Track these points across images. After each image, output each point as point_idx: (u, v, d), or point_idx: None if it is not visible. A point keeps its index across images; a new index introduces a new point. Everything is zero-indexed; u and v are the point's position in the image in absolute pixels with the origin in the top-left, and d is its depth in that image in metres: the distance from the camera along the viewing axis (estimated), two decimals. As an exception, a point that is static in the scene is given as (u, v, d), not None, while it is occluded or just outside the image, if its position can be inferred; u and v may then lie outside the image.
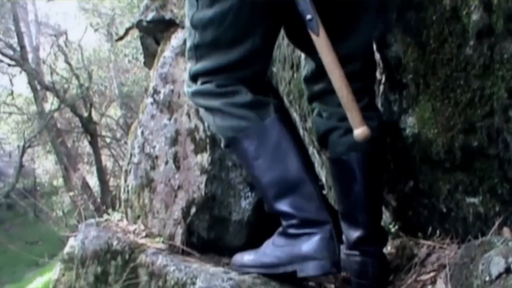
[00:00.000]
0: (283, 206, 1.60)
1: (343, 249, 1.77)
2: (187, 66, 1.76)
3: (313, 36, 1.53)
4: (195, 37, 1.66)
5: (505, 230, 1.58)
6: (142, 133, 2.54)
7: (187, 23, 1.69)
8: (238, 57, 1.62)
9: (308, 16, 1.52)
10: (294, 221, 1.59)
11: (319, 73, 1.73)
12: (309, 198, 1.58)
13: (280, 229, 1.66)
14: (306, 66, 1.86)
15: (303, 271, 1.57)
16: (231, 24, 1.58)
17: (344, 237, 1.82)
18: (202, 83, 1.68)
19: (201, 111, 1.77)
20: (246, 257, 1.75)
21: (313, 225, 1.56)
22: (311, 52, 1.66)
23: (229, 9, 1.57)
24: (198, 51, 1.67)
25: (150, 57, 3.50)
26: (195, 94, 1.71)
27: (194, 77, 1.71)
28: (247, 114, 1.62)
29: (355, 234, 1.75)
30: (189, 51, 1.71)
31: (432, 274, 1.65)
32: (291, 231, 1.60)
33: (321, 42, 1.52)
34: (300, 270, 1.57)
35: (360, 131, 1.53)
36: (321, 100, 1.82)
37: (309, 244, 1.56)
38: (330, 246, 1.55)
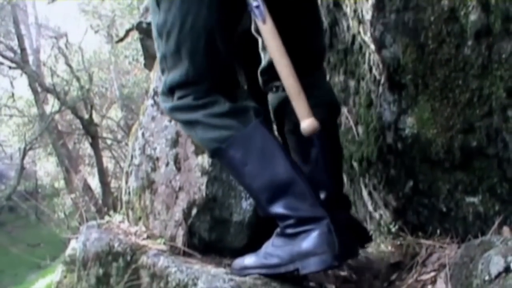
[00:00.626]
0: (277, 208, 1.59)
1: None
2: (162, 80, 1.73)
3: (260, 24, 1.51)
4: (162, 47, 1.65)
5: (505, 229, 1.59)
6: (143, 134, 2.55)
7: (154, 33, 1.67)
8: (204, 64, 1.61)
9: (255, 3, 1.51)
10: (290, 221, 1.59)
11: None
12: (302, 197, 1.57)
13: (278, 230, 1.66)
14: (263, 59, 1.89)
15: (306, 268, 1.56)
16: (191, 27, 1.57)
17: None
18: (179, 98, 1.66)
19: (181, 125, 1.75)
20: (247, 259, 1.74)
21: (310, 222, 1.56)
22: None
23: (187, 11, 1.56)
24: (168, 61, 1.65)
25: (150, 59, 3.50)
26: (173, 109, 1.69)
27: (170, 91, 1.68)
28: (229, 123, 1.61)
29: (321, 196, 1.73)
30: (160, 64, 1.69)
31: (432, 273, 1.66)
32: (289, 231, 1.60)
33: (267, 29, 1.50)
34: (302, 268, 1.56)
35: (307, 123, 1.50)
36: (274, 78, 1.78)
37: (309, 241, 1.55)
38: (329, 240, 1.54)
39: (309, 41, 1.83)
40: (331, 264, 1.56)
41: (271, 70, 1.73)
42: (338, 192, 1.82)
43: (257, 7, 1.50)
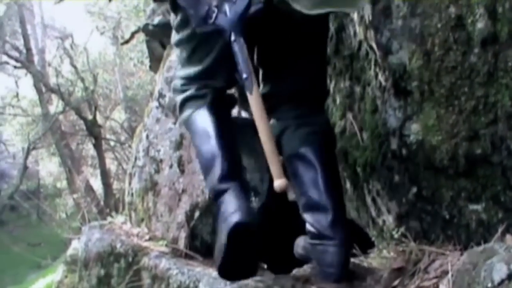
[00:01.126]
0: (208, 182, 1.81)
1: (308, 239, 1.82)
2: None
3: (247, 94, 1.71)
4: (178, 53, 2.01)
5: (508, 237, 1.58)
6: (147, 136, 2.56)
7: (172, 42, 2.05)
8: (202, 70, 1.90)
9: (244, 75, 1.70)
10: (212, 195, 1.79)
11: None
12: (218, 168, 1.76)
13: None
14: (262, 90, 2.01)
15: (229, 225, 1.64)
16: (195, 48, 1.88)
17: (310, 227, 1.83)
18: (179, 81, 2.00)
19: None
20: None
21: (227, 180, 1.74)
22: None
23: (191, 35, 1.84)
24: (180, 63, 2.01)
25: (156, 61, 3.51)
26: (173, 89, 2.04)
27: (177, 77, 2.01)
28: (191, 106, 1.90)
29: (326, 219, 1.78)
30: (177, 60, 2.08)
31: (434, 280, 1.65)
32: (219, 200, 1.73)
33: (253, 99, 1.70)
34: (228, 228, 1.64)
35: (278, 182, 1.66)
36: (270, 109, 1.93)
37: (226, 203, 1.70)
38: (241, 196, 1.71)
39: (312, 85, 1.98)
40: (248, 210, 1.68)
41: (266, 100, 1.90)
42: (342, 214, 1.85)
43: (246, 78, 1.70)
